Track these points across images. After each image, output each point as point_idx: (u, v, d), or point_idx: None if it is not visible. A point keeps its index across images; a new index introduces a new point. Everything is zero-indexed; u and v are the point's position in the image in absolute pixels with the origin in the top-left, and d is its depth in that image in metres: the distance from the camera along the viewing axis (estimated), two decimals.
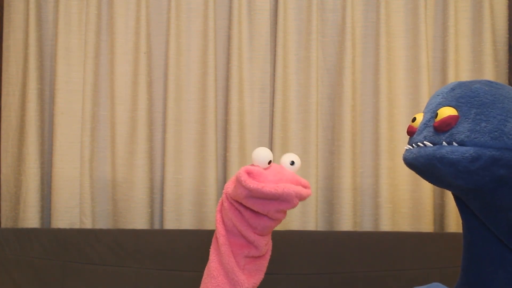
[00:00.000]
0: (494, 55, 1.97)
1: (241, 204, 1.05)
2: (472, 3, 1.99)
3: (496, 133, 0.89)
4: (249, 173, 1.01)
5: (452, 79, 1.94)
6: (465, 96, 0.94)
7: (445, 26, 1.98)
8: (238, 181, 1.01)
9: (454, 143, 0.91)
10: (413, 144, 1.00)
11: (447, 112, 0.93)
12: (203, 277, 1.11)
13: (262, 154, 1.04)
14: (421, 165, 0.98)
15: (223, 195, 1.09)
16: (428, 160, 0.95)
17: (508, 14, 1.98)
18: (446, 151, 0.91)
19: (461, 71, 1.98)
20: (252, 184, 0.99)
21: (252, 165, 1.05)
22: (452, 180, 0.92)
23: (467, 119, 0.92)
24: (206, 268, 1.12)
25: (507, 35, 1.98)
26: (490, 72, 1.95)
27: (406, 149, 1.04)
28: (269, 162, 1.05)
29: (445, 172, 0.92)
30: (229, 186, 1.07)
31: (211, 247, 1.12)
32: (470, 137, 0.90)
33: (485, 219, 0.99)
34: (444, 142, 0.92)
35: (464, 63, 1.99)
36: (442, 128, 0.93)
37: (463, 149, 0.90)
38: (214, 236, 1.13)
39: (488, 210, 0.97)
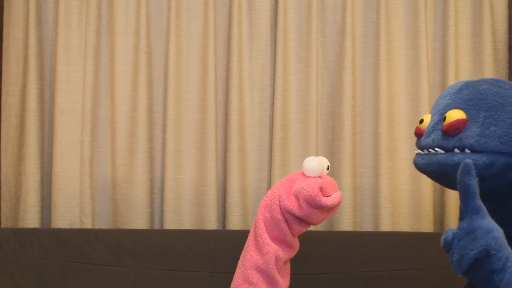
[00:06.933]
0: (494, 55, 1.97)
1: (291, 214, 1.06)
2: (472, 3, 1.99)
3: (505, 138, 0.88)
4: (320, 189, 1.04)
5: (452, 79, 1.94)
6: (474, 98, 0.93)
7: (445, 26, 1.98)
8: (313, 201, 1.02)
9: (467, 150, 0.90)
10: (424, 150, 0.99)
11: (455, 115, 0.92)
12: (235, 284, 1.10)
13: (317, 165, 1.06)
14: (433, 171, 0.98)
15: (276, 207, 1.06)
16: (440, 168, 0.94)
17: (508, 14, 1.98)
18: (458, 159, 0.90)
19: (461, 71, 1.98)
20: (328, 201, 1.03)
21: (303, 173, 1.07)
22: None
23: (475, 123, 0.90)
24: (239, 276, 1.10)
25: (507, 35, 1.98)
26: (490, 72, 1.95)
27: (417, 154, 1.03)
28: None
29: None
30: (285, 200, 1.05)
31: (246, 253, 1.11)
32: (479, 141, 0.89)
33: (497, 219, 0.99)
34: (456, 149, 0.92)
35: (464, 63, 1.99)
36: (450, 132, 0.92)
37: (476, 156, 0.89)
38: (248, 243, 1.12)
39: (501, 210, 0.97)
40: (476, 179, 0.82)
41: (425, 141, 0.99)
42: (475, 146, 0.89)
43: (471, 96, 0.93)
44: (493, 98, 0.91)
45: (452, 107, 0.95)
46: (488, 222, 0.81)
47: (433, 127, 0.98)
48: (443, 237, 0.84)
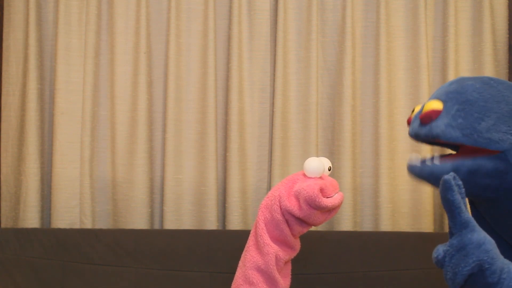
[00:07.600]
0: (494, 55, 1.97)
1: (291, 215, 1.06)
2: (472, 3, 1.99)
3: (468, 130, 0.90)
4: (321, 190, 1.03)
5: (452, 79, 1.94)
6: (454, 91, 0.95)
7: (445, 26, 1.98)
8: (313, 202, 1.01)
9: (435, 162, 0.94)
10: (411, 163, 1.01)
11: (432, 105, 0.95)
12: (236, 284, 1.10)
13: (317, 166, 1.05)
14: (420, 180, 1.01)
15: (277, 208, 1.06)
16: (421, 178, 0.98)
17: (508, 14, 1.98)
18: (430, 169, 0.94)
19: (461, 71, 1.98)
20: (328, 202, 1.02)
21: (304, 174, 1.06)
22: None
23: (447, 114, 0.93)
24: (239, 276, 1.10)
25: (507, 35, 1.98)
26: (490, 72, 1.95)
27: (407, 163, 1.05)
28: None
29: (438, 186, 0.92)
30: (285, 200, 1.05)
31: (246, 254, 1.11)
32: (444, 131, 0.91)
33: (493, 224, 0.99)
34: (436, 159, 0.95)
35: (464, 63, 1.99)
36: (424, 121, 0.95)
37: (442, 165, 0.92)
38: (249, 243, 1.12)
39: (494, 214, 0.97)
40: (462, 191, 0.81)
41: (409, 129, 1.02)
42: (440, 136, 0.92)
43: (454, 89, 0.96)
44: (471, 93, 0.93)
45: (433, 98, 0.97)
46: (478, 235, 0.80)
47: (416, 116, 1.00)
48: (434, 254, 0.83)
